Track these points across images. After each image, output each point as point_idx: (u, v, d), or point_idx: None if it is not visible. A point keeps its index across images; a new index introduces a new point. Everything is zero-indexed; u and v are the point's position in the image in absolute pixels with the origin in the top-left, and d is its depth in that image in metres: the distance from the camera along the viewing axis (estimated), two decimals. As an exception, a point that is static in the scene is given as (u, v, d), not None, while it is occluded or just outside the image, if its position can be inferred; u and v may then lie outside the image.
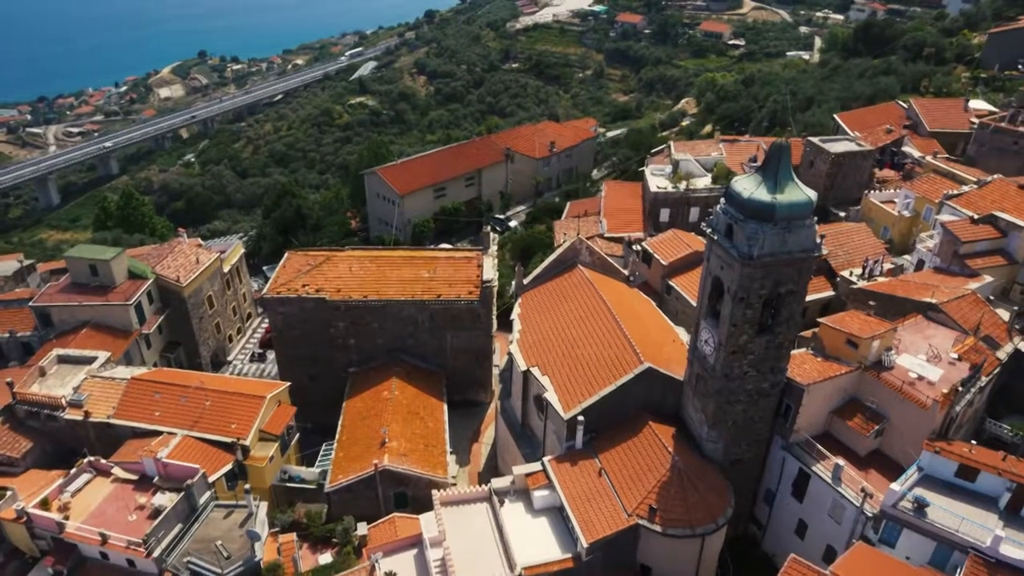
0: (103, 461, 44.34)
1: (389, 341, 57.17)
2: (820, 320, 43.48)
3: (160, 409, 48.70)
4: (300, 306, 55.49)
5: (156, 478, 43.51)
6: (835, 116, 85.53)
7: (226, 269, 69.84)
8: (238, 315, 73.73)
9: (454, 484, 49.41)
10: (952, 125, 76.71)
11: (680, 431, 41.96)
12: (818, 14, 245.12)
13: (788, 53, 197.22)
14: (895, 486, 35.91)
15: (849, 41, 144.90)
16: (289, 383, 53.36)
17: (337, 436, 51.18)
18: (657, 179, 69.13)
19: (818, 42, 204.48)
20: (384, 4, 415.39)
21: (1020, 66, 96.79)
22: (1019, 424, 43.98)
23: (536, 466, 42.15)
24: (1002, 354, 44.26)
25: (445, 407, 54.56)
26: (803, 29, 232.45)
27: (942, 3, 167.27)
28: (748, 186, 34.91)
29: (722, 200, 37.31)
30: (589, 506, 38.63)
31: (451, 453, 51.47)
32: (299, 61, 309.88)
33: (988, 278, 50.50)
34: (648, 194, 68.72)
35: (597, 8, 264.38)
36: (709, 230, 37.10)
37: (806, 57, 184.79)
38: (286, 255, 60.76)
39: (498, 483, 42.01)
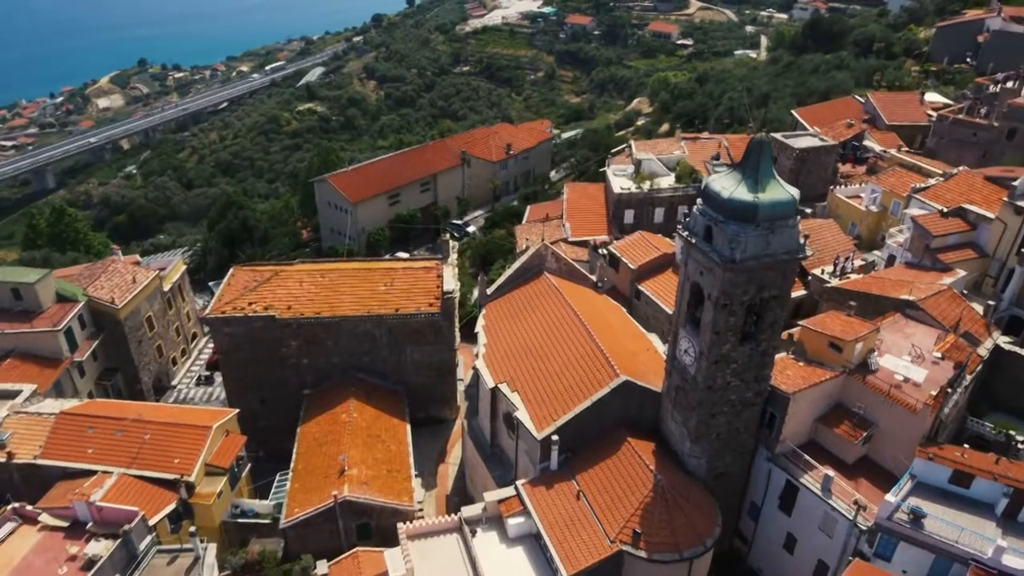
0: (29, 507, 39.76)
1: (345, 359, 53.64)
2: (800, 323, 41.62)
3: (93, 446, 44.34)
4: (247, 326, 51.58)
5: (90, 524, 39.23)
6: (792, 112, 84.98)
7: (167, 287, 65.27)
8: (182, 336, 69.11)
9: (421, 511, 46.29)
10: (910, 118, 76.54)
11: (660, 446, 39.52)
12: (763, 13, 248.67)
13: (736, 52, 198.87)
14: (890, 497, 34.09)
15: (798, 38, 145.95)
16: (238, 410, 49.37)
17: (292, 465, 47.48)
18: (620, 180, 67.02)
19: (764, 41, 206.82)
20: (329, 9, 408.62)
21: (968, 59, 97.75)
22: (1002, 422, 42.74)
23: (509, 491, 39.23)
24: (983, 351, 43.07)
25: (408, 427, 51.28)
26: (749, 28, 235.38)
27: (883, 0, 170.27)
28: (727, 185, 32.64)
29: (699, 201, 35.02)
30: (568, 533, 35.87)
31: (416, 476, 48.24)
32: (244, 68, 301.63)
33: (961, 272, 49.53)
34: (611, 195, 66.54)
35: (546, 10, 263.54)
36: (686, 233, 34.74)
37: (753, 55, 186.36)
38: (231, 271, 56.69)
39: (469, 511, 38.98)
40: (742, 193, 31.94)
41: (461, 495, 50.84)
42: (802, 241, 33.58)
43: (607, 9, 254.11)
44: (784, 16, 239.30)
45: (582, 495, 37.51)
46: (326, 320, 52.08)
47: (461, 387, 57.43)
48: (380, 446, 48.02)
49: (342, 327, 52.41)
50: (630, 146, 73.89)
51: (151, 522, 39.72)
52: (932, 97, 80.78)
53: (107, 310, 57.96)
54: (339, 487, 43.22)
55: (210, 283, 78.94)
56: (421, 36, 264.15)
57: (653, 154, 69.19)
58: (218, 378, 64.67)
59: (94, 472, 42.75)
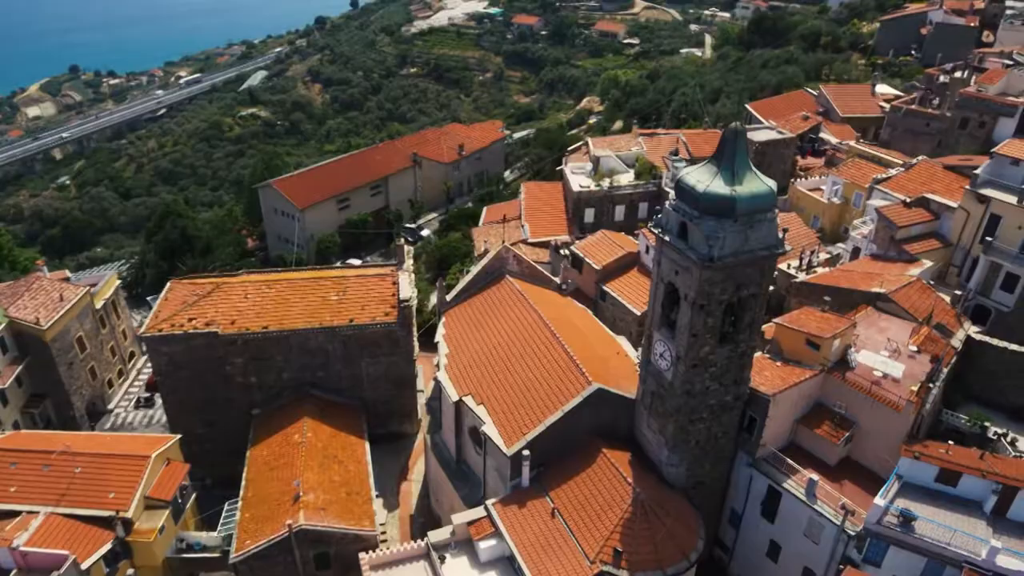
0: (-58, 557, 35.68)
1: (297, 375, 50.27)
2: (775, 321, 40.03)
3: (17, 483, 40.22)
4: (187, 344, 47.79)
5: (14, 572, 35.41)
6: (747, 106, 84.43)
7: (99, 304, 60.65)
8: (118, 356, 64.48)
9: (383, 534, 43.46)
10: (863, 110, 76.69)
11: (636, 455, 37.47)
12: (706, 12, 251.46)
13: (682, 51, 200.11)
14: (879, 500, 32.61)
15: (744, 35, 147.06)
16: (180, 435, 45.68)
17: (242, 492, 43.99)
18: (578, 178, 65.06)
19: (709, 39, 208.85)
20: (271, 13, 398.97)
21: (913, 51, 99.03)
22: (976, 413, 41.92)
23: (479, 512, 36.63)
24: (956, 342, 42.20)
25: (367, 445, 48.23)
26: (693, 27, 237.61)
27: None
28: (702, 178, 30.73)
29: (671, 196, 33.08)
30: (545, 555, 33.48)
31: (377, 497, 45.32)
32: (183, 73, 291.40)
33: (927, 262, 49.00)
34: (570, 194, 64.54)
35: (492, 11, 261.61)
36: (659, 231, 32.72)
37: (699, 54, 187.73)
38: (168, 285, 52.67)
39: (436, 536, 36.29)
40: (719, 186, 30.07)
41: (426, 514, 48.04)
42: (780, 235, 31.93)
43: (553, 9, 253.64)
44: (727, 15, 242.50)
45: (557, 513, 35.17)
46: (274, 334, 48.65)
47: (422, 399, 54.58)
48: (337, 467, 44.87)
49: (292, 341, 49.06)
50: (587, 143, 72.02)
51: (84, 565, 36.27)
52: (883, 89, 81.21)
53: (31, 332, 53.30)
54: (294, 515, 40.00)
55: (148, 298, 74.13)
56: (366, 38, 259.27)
57: (611, 151, 67.43)
58: (159, 400, 60.36)
59: (18, 513, 38.74)
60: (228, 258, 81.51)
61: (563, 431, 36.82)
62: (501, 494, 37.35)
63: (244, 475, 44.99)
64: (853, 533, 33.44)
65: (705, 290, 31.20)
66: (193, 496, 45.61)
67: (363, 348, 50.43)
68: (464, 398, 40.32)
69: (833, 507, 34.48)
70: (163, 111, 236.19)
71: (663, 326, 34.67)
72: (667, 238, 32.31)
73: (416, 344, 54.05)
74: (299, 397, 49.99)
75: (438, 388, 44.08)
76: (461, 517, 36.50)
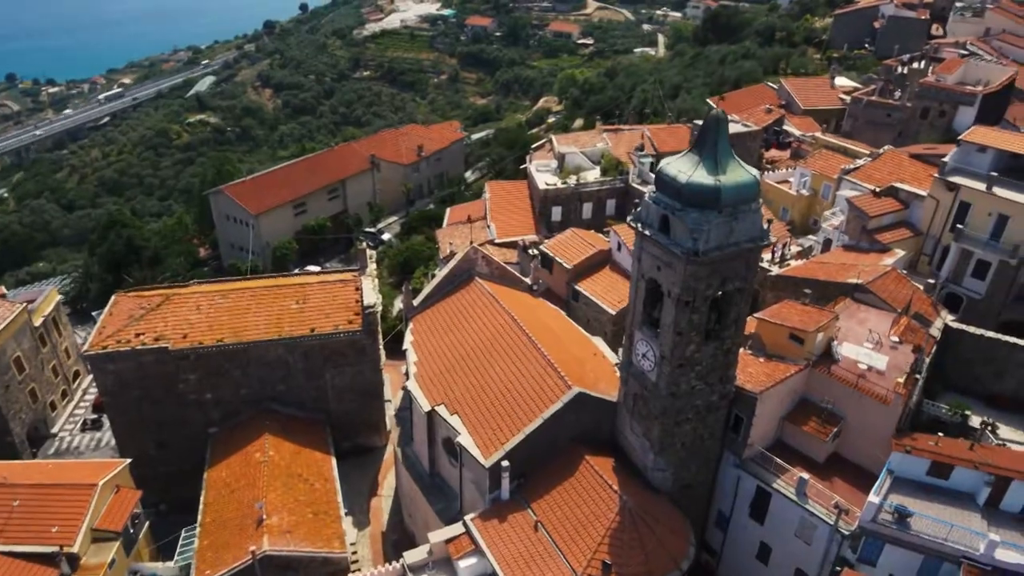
0: None
1: (256, 390, 47.42)
2: (756, 316, 38.83)
3: (-53, 520, 36.62)
4: (136, 361, 44.60)
5: (-56, 620, 32.05)
6: (708, 100, 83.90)
7: (38, 322, 56.75)
8: (61, 376, 60.53)
9: (355, 555, 41.01)
10: (823, 102, 76.83)
11: (620, 461, 35.83)
12: (658, 12, 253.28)
13: (636, 50, 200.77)
14: (873, 497, 31.51)
15: (698, 32, 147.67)
16: (130, 459, 42.52)
17: (200, 517, 41.04)
18: (544, 176, 63.40)
19: (662, 38, 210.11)
20: (218, 18, 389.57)
21: (867, 44, 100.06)
22: (956, 402, 41.37)
23: (457, 528, 34.54)
24: (935, 331, 41.61)
25: (333, 461, 45.65)
26: (646, 27, 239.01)
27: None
28: (684, 168, 29.21)
29: (650, 188, 31.55)
30: (529, 572, 31.55)
31: (346, 515, 42.75)
32: (127, 80, 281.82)
33: (900, 252, 48.58)
34: (537, 192, 62.82)
35: (445, 12, 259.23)
36: (639, 225, 31.10)
37: (652, 52, 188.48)
38: (113, 298, 49.29)
39: (412, 556, 34.14)
40: (702, 176, 28.58)
41: (399, 531, 45.70)
42: (765, 227, 30.61)
43: (507, 10, 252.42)
44: (678, 14, 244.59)
45: (540, 526, 33.30)
46: (230, 347, 45.76)
47: (389, 409, 52.17)
48: (303, 486, 42.24)
49: (249, 354, 46.24)
50: (551, 140, 70.45)
51: (25, 609, 32.85)
52: (841, 81, 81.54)
53: (-37, 353, 49.47)
54: (257, 540, 37.29)
55: (94, 313, 70.09)
56: (317, 41, 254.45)
57: (576, 147, 65.97)
58: (107, 421, 56.72)
59: (-51, 553, 35.18)
60: (178, 268, 77.69)
61: (543, 439, 35.00)
62: (480, 508, 35.31)
63: (202, 499, 42.05)
64: (847, 532, 32.31)
65: (690, 285, 29.69)
66: (146, 524, 42.48)
67: (326, 358, 47.86)
68: (437, 408, 38.19)
69: (825, 506, 33.32)
70: (106, 119, 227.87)
71: (645, 325, 33.09)
72: (647, 232, 30.71)
73: (382, 352, 51.64)
74: (259, 413, 47.15)
75: (408, 398, 41.88)
76: (438, 535, 34.38)
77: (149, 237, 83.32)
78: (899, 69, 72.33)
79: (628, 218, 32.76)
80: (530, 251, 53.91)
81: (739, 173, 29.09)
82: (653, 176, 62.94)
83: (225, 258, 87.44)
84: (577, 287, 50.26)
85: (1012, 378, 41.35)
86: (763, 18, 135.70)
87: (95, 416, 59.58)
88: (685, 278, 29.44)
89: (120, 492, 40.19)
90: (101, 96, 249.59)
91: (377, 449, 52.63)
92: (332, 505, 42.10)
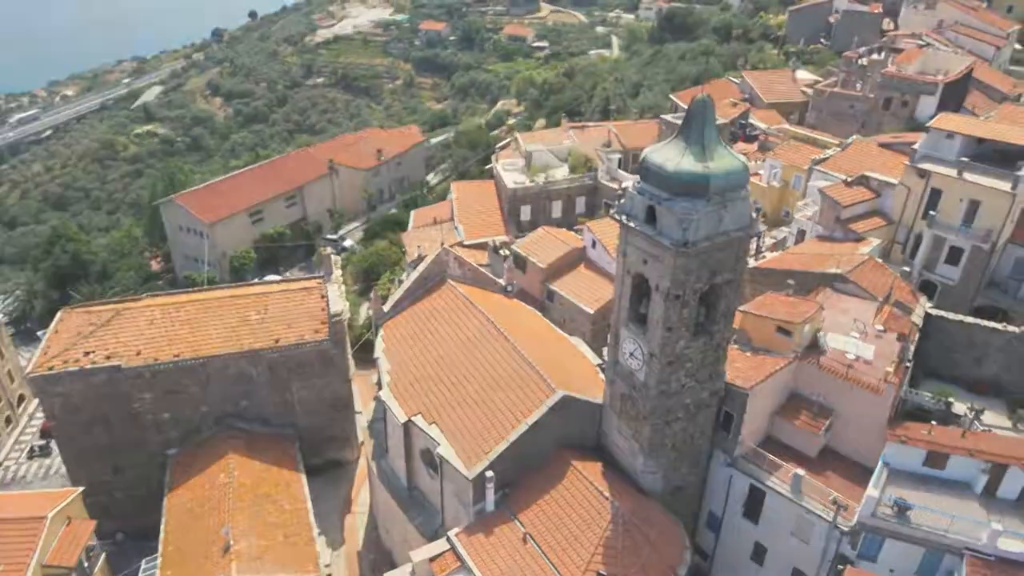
0: None
1: (217, 407, 44.78)
2: (741, 309, 37.67)
3: None
4: (85, 381, 41.60)
5: None
6: (671, 96, 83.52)
7: (-24, 344, 53.12)
8: (4, 401, 56.71)
9: (330, 578, 38.67)
10: (786, 95, 76.80)
11: (607, 465, 34.33)
12: (611, 14, 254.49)
13: (591, 52, 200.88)
14: (871, 491, 30.56)
15: (654, 31, 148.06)
16: (82, 487, 39.54)
17: (161, 547, 38.33)
18: (511, 175, 61.88)
19: (616, 40, 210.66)
20: (162, 28, 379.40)
21: (822, 39, 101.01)
22: (941, 390, 40.94)
23: (441, 545, 32.57)
24: (916, 318, 41.18)
25: (303, 478, 43.29)
26: (600, 29, 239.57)
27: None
28: (670, 156, 27.89)
29: (634, 179, 30.17)
30: (520, 588, 29.79)
31: (319, 535, 40.44)
32: (69, 92, 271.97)
33: (874, 240, 48.22)
34: (505, 192, 61.26)
35: (398, 17, 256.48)
36: (623, 217, 29.68)
37: (607, 54, 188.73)
38: (58, 315, 46.05)
39: (394, 577, 32.07)
40: (690, 164, 27.29)
41: (376, 549, 43.42)
42: (754, 215, 29.49)
43: (460, 15, 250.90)
44: (631, 16, 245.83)
45: (530, 538, 31.56)
46: (188, 363, 43.06)
47: (360, 421, 49.89)
48: (271, 507, 39.83)
49: (209, 369, 43.61)
50: (516, 139, 68.99)
51: (-33, 658, 29.87)
52: (802, 75, 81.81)
53: None
54: (224, 568, 34.91)
55: (39, 332, 66.18)
56: (268, 49, 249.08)
57: (543, 145, 64.61)
58: (56, 447, 53.21)
59: None
60: (129, 282, 74.05)
61: (528, 446, 33.29)
62: (464, 522, 33.40)
63: (162, 526, 39.36)
64: (846, 528, 31.29)
65: (679, 278, 28.38)
66: (102, 557, 39.45)
67: (292, 370, 45.48)
68: (413, 418, 36.19)
69: (822, 502, 32.26)
70: (48, 132, 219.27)
71: (632, 322, 31.66)
72: (633, 224, 29.31)
73: (351, 362, 49.35)
74: (222, 431, 44.52)
75: (381, 409, 39.74)
76: (421, 553, 32.36)
77: (97, 251, 79.43)
78: (859, 61, 72.71)
79: (611, 211, 31.28)
80: (501, 252, 52.22)
81: (727, 160, 27.91)
82: (622, 173, 62.47)
83: (179, 271, 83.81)
84: (552, 287, 48.81)
85: (992, 363, 41.15)
86: (718, 16, 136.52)
87: (43, 442, 55.99)
88: (674, 271, 28.11)
89: (72, 524, 37.16)
90: (41, 109, 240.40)
91: (349, 463, 50.29)
92: (304, 526, 39.78)
